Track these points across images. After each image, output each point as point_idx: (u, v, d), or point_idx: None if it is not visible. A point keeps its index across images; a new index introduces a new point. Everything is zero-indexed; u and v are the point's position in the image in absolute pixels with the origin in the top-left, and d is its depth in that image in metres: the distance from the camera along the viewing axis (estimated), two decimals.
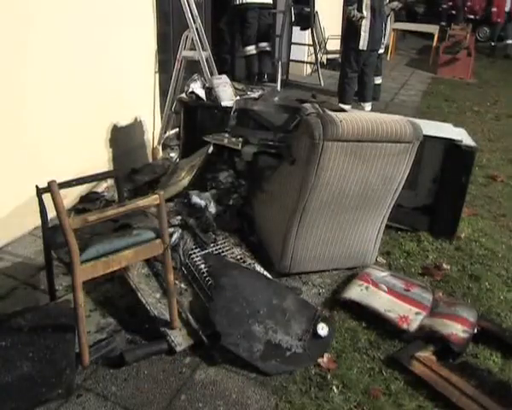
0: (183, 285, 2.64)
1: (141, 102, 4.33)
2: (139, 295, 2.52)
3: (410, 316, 2.58)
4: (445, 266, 3.20)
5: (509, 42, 12.45)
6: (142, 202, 2.20)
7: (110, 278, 2.65)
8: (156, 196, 2.19)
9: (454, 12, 14.45)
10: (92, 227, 2.21)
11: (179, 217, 2.93)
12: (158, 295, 2.55)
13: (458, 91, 8.36)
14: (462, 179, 3.37)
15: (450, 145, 3.34)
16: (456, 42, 9.90)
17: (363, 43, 5.66)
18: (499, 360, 2.46)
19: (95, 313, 2.53)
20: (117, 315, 2.54)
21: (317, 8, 7.23)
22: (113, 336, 2.39)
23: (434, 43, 10.81)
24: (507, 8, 12.40)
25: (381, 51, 6.73)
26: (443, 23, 13.55)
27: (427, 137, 2.92)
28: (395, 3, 5.79)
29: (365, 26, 5.61)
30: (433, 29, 11.46)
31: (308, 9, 6.99)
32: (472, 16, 13.92)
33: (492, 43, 12.88)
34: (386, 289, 2.76)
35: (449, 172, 3.37)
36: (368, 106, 6.12)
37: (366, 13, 5.59)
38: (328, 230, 2.83)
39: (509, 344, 2.52)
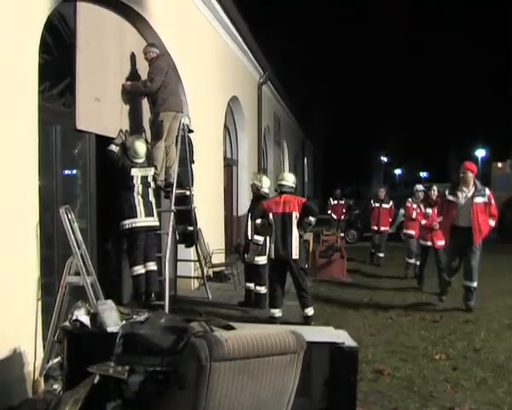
0: None
1: (21, 332, 4.12)
2: None
3: None
4: None
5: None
6: None
7: None
8: None
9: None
10: None
11: None
12: None
13: (337, 291, 8.99)
14: (351, 379, 3.47)
15: (334, 348, 3.49)
16: (329, 246, 10.91)
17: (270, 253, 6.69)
18: None
19: None
20: None
21: (200, 226, 7.71)
22: None
23: (311, 249, 11.77)
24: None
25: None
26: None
27: (311, 343, 3.05)
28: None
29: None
30: (308, 235, 12.56)
31: (191, 228, 7.43)
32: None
33: (373, 250, 12.83)
34: None
35: (337, 373, 3.46)
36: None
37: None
38: None
39: None
